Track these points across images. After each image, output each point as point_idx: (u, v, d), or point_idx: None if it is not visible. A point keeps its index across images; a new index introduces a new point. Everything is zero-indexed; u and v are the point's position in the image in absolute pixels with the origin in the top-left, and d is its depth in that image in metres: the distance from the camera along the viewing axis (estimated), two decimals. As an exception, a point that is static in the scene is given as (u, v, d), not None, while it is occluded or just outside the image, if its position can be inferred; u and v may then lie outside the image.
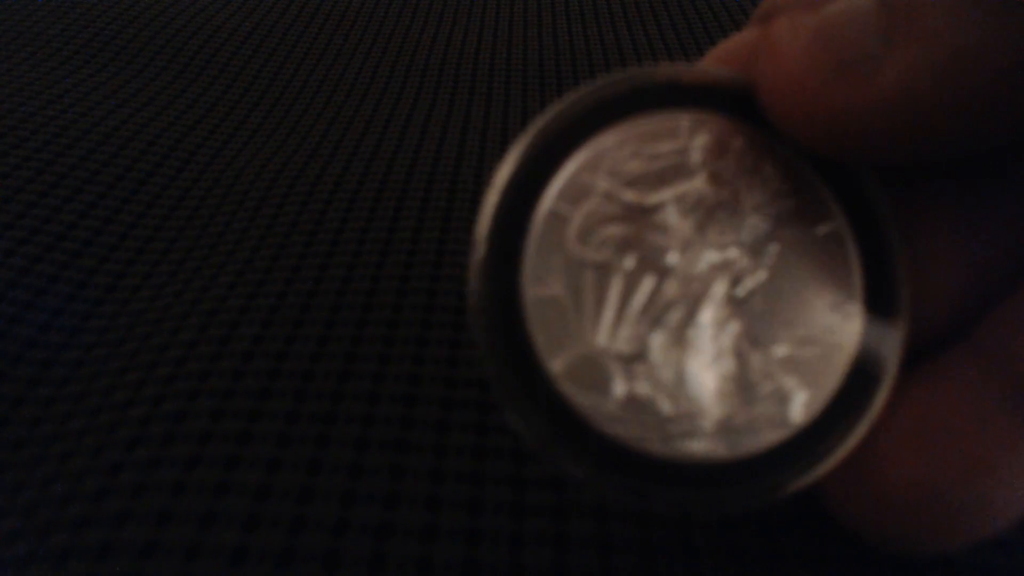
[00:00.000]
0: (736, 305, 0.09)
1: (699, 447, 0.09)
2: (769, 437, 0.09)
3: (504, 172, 0.09)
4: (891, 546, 0.10)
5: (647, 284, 0.09)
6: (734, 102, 0.09)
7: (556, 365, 0.09)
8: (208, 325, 0.15)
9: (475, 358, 0.14)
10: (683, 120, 0.09)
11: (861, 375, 0.09)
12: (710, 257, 0.09)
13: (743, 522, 0.11)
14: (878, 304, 0.09)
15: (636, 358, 0.09)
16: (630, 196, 0.09)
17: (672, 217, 0.09)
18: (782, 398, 0.09)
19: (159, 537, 0.11)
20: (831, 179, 0.09)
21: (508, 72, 0.27)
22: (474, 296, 0.09)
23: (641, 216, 0.09)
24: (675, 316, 0.09)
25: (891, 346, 0.09)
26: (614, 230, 0.09)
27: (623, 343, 0.09)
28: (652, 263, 0.09)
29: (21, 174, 0.19)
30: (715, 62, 0.10)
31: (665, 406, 0.09)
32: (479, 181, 0.20)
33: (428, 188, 0.20)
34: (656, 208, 0.09)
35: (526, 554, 0.11)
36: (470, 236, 0.09)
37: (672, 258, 0.09)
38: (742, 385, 0.09)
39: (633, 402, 0.09)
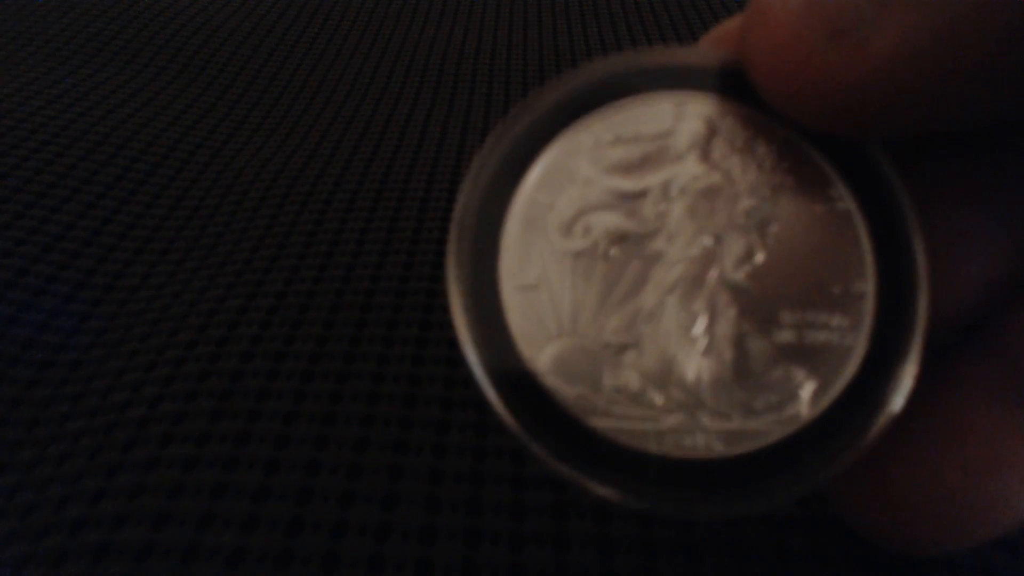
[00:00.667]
0: (732, 290, 0.09)
1: (696, 443, 0.08)
2: (773, 433, 0.08)
3: (482, 159, 0.09)
4: (901, 547, 0.09)
5: (634, 272, 0.09)
6: (723, 81, 0.09)
7: (541, 359, 0.08)
8: (207, 326, 0.15)
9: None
10: (668, 103, 0.09)
11: (878, 363, 0.08)
12: (702, 241, 0.09)
13: (745, 521, 0.11)
14: (894, 283, 0.08)
15: (625, 349, 0.08)
16: (614, 182, 0.09)
17: (659, 203, 0.09)
18: (787, 389, 0.08)
19: (157, 539, 0.11)
20: (833, 155, 0.09)
21: (508, 72, 0.27)
22: (452, 289, 0.08)
23: (626, 203, 0.09)
24: (665, 304, 0.09)
25: (912, 330, 0.08)
26: (598, 217, 0.09)
27: (610, 334, 0.08)
28: (639, 250, 0.09)
29: (19, 174, 0.19)
30: (708, 45, 0.10)
31: (658, 399, 0.08)
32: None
33: (428, 188, 0.20)
34: (641, 194, 0.09)
35: (526, 554, 0.11)
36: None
37: (660, 244, 0.09)
38: (742, 375, 0.08)
39: (623, 395, 0.08)
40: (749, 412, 0.08)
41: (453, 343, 0.15)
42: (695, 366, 0.08)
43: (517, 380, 0.08)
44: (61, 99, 0.23)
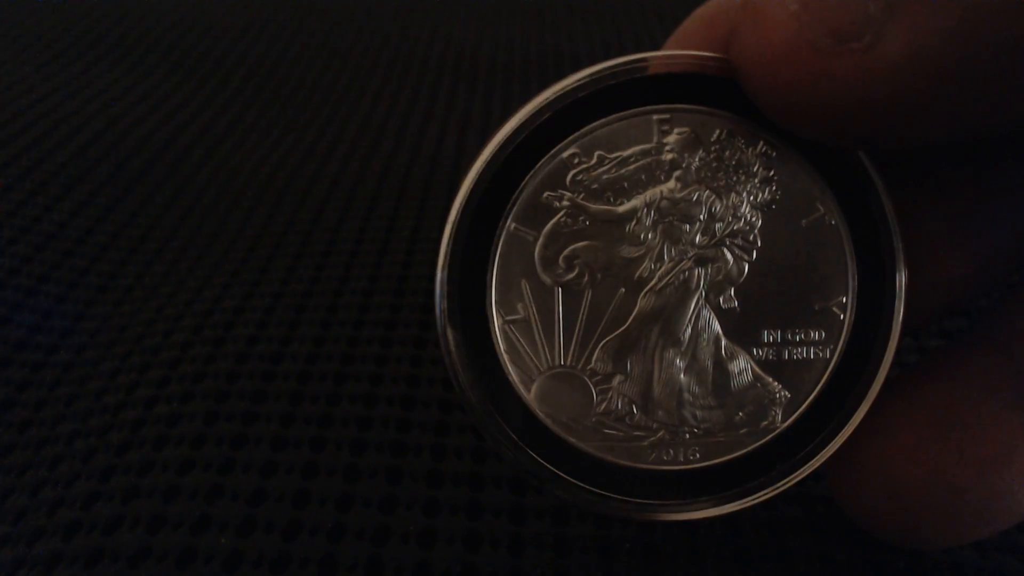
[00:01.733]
0: (715, 310, 0.09)
1: (677, 457, 0.09)
2: (748, 443, 0.09)
3: (460, 197, 0.09)
4: (904, 542, 0.10)
5: (620, 300, 0.09)
6: (708, 89, 0.09)
7: (532, 389, 0.09)
8: (202, 326, 0.15)
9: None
10: (652, 116, 0.09)
11: (849, 374, 0.09)
12: (686, 265, 0.09)
13: (747, 524, 0.11)
14: (871, 298, 0.09)
15: (612, 376, 0.09)
16: (597, 207, 0.09)
17: (643, 226, 0.09)
18: (762, 403, 0.09)
19: (152, 542, 0.11)
20: (822, 164, 0.09)
21: (508, 69, 0.27)
22: (444, 329, 0.09)
23: (610, 227, 0.09)
24: (650, 328, 0.09)
25: (883, 342, 0.09)
26: (581, 246, 0.09)
27: (597, 361, 0.09)
28: (625, 276, 0.09)
29: (10, 172, 0.19)
30: (691, 33, 0.09)
31: (642, 419, 0.09)
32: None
33: (427, 186, 0.20)
34: (626, 217, 0.09)
35: (526, 557, 0.10)
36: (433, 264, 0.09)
37: (645, 269, 0.09)
38: (721, 392, 0.09)
39: (611, 418, 0.09)
40: (727, 426, 0.09)
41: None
42: (677, 387, 0.09)
43: (511, 411, 0.09)
44: (53, 96, 0.23)
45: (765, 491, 0.09)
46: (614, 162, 0.09)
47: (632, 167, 0.09)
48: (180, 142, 0.22)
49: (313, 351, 0.14)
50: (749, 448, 0.09)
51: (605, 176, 0.09)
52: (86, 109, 0.22)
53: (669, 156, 0.09)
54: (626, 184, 0.09)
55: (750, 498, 0.09)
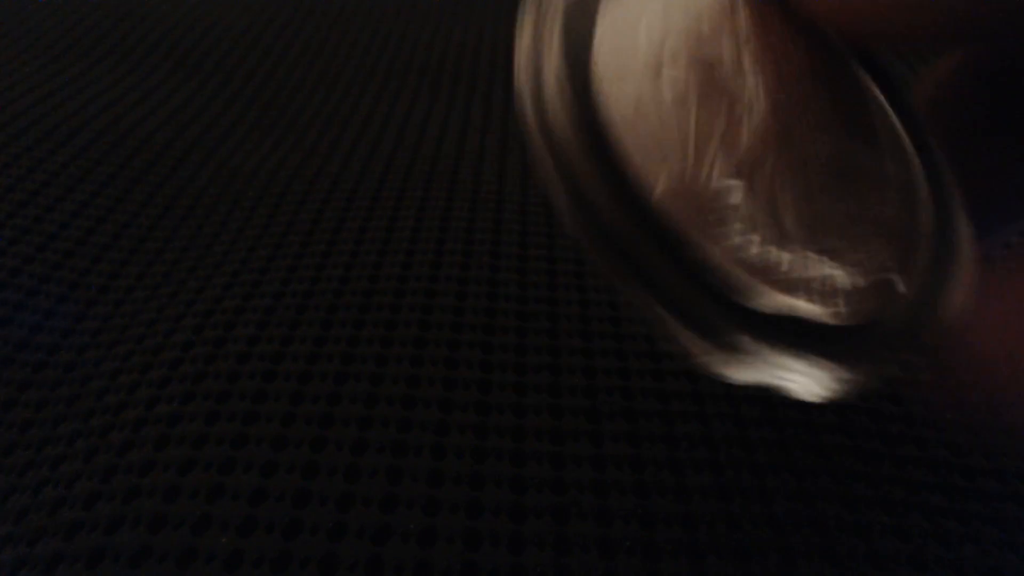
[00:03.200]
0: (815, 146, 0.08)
1: (804, 306, 0.07)
2: (874, 304, 0.08)
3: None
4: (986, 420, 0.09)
5: (727, 110, 0.08)
6: None
7: (658, 185, 0.07)
8: (203, 327, 0.15)
9: (476, 358, 0.14)
10: None
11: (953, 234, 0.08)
12: (781, 92, 0.08)
13: (747, 521, 0.11)
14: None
15: (734, 188, 0.07)
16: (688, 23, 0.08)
17: (735, 44, 0.08)
18: (878, 265, 0.08)
19: (153, 542, 0.11)
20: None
21: (508, 70, 0.27)
22: (557, 122, 0.07)
23: (700, 45, 0.08)
24: (767, 147, 0.08)
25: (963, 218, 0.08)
26: (679, 71, 0.08)
27: (718, 176, 0.07)
28: (727, 103, 0.08)
29: (12, 172, 0.19)
30: None
31: (771, 252, 0.07)
32: (478, 181, 0.20)
33: (427, 188, 0.20)
34: (712, 42, 0.08)
35: (526, 556, 0.10)
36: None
37: (749, 85, 0.08)
38: (834, 225, 0.08)
39: (738, 228, 0.07)
40: (851, 283, 0.08)
41: (452, 344, 0.14)
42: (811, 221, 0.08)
43: (631, 205, 0.07)
44: (54, 96, 0.23)
45: (893, 356, 0.07)
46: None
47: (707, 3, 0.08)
48: (181, 143, 0.22)
49: (314, 351, 0.14)
50: (876, 311, 0.08)
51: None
52: (88, 109, 0.23)
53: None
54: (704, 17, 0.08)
55: (885, 361, 0.07)
